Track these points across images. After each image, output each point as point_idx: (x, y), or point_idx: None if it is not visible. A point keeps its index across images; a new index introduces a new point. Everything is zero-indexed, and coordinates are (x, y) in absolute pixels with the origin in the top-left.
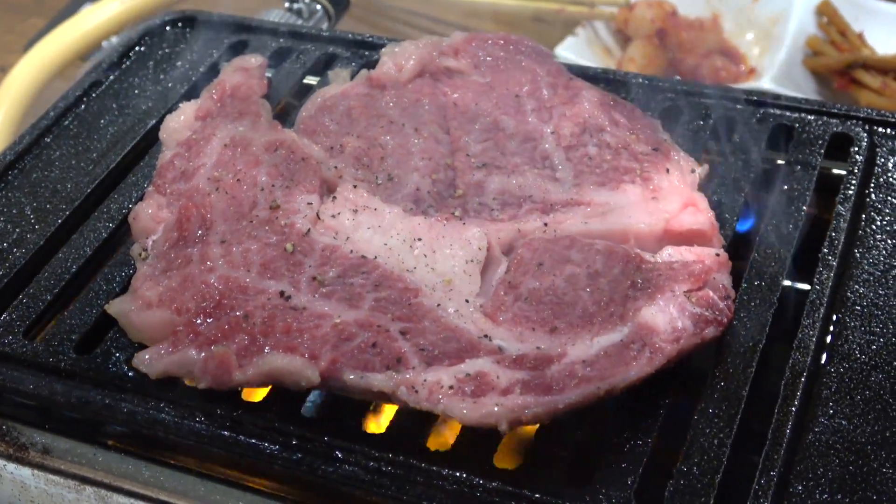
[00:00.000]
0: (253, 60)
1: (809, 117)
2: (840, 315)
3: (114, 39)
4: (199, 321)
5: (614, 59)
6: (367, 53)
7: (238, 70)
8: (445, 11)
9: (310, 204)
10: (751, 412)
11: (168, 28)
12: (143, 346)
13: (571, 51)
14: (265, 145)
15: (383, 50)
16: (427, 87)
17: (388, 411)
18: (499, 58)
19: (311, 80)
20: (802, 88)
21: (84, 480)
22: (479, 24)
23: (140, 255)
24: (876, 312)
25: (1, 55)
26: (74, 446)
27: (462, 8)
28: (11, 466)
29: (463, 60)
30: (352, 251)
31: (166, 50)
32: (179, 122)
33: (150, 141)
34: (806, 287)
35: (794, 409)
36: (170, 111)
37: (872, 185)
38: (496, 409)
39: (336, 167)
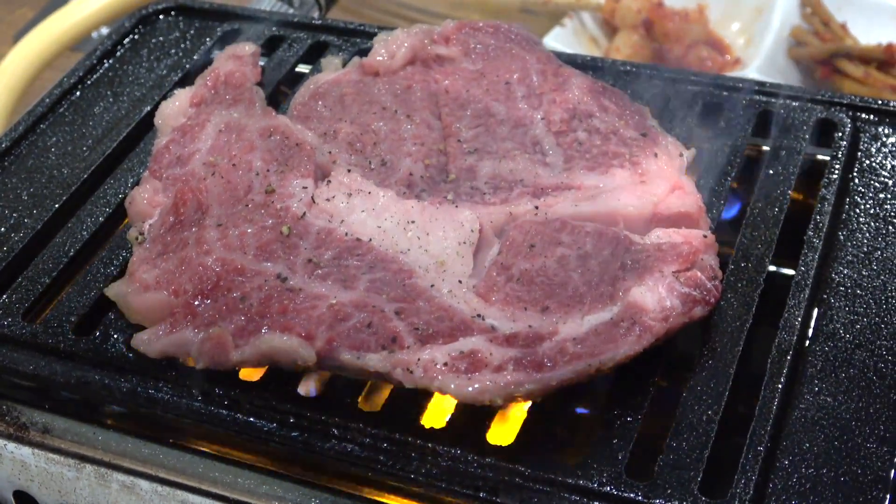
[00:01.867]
0: (246, 48)
1: (794, 104)
2: (825, 296)
3: (104, 30)
4: (196, 303)
5: (601, 50)
6: (358, 41)
7: (231, 58)
8: (433, 2)
9: (304, 188)
10: (738, 390)
11: (161, 16)
12: (141, 328)
13: (559, 41)
14: (259, 131)
15: (376, 38)
16: (419, 74)
17: (384, 389)
18: (489, 45)
19: (303, 67)
20: (787, 78)
21: (84, 459)
22: (467, 14)
23: (136, 238)
24: (859, 293)
25: None
26: (74, 425)
27: (450, 0)
28: (12, 446)
29: (454, 48)
30: (346, 234)
31: (160, 38)
32: (174, 109)
33: (145, 127)
34: (791, 271)
35: (780, 386)
36: (164, 98)
37: (856, 169)
38: (490, 385)
39: (330, 152)
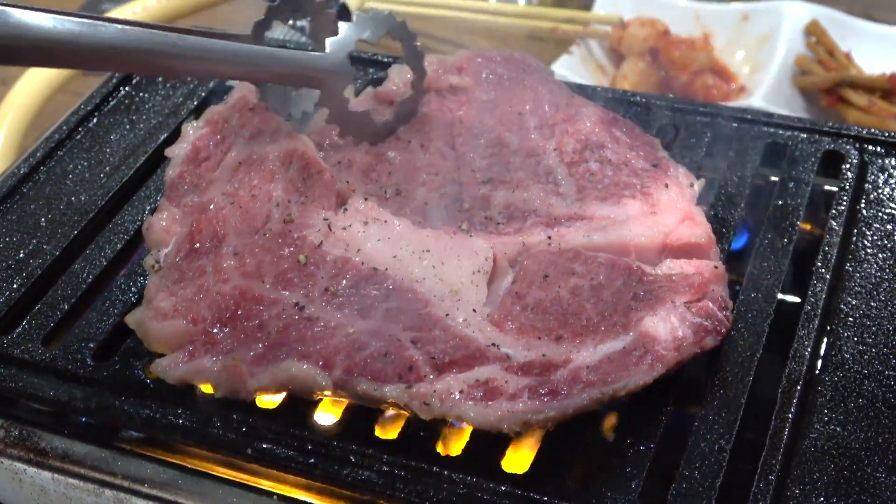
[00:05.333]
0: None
1: (802, 135)
2: (833, 326)
3: None
4: (215, 330)
5: (608, 77)
6: (371, 70)
7: (251, 89)
8: (442, 29)
9: (325, 219)
10: (749, 419)
11: None
12: (159, 354)
13: (566, 68)
14: (280, 158)
15: (390, 68)
16: (432, 104)
17: (400, 417)
18: (501, 75)
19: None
20: (791, 106)
21: (103, 484)
22: (475, 41)
23: (153, 266)
24: (868, 323)
25: (3, 68)
26: (93, 451)
27: (458, 26)
28: (31, 471)
29: (466, 78)
30: (363, 262)
31: None
32: (185, 143)
33: (162, 155)
34: (799, 299)
35: (790, 415)
36: (180, 125)
37: (863, 201)
38: (506, 413)
39: (348, 182)
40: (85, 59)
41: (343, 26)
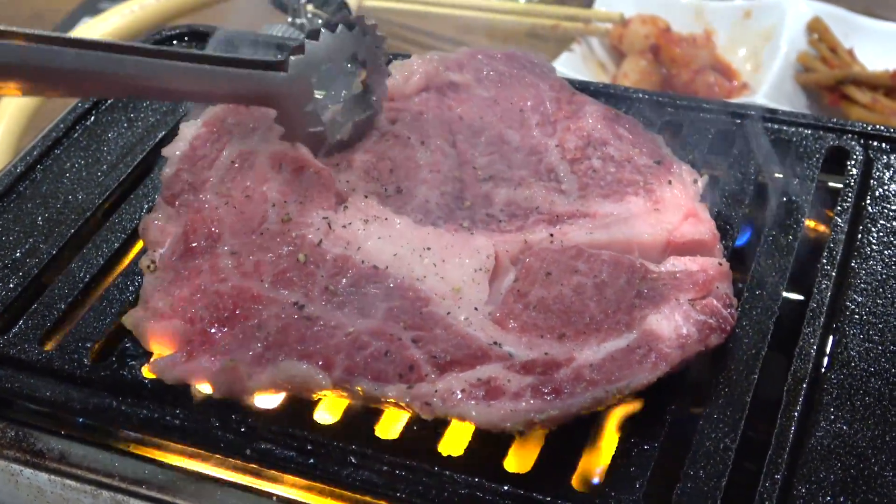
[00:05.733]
0: None
1: (806, 132)
2: (839, 324)
3: None
4: (213, 330)
5: (609, 75)
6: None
7: None
8: (442, 27)
9: (325, 218)
10: (754, 418)
11: (175, 42)
12: (157, 355)
13: (567, 66)
14: (270, 160)
15: (391, 64)
16: (433, 101)
17: (401, 417)
18: (502, 73)
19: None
20: (794, 104)
21: (100, 485)
22: (475, 39)
23: (149, 266)
24: (874, 321)
25: None
26: (90, 452)
27: (458, 24)
28: (28, 472)
29: (467, 74)
30: (363, 261)
31: None
32: (182, 142)
33: (159, 153)
34: (805, 298)
35: (796, 414)
36: (178, 124)
37: (869, 197)
38: (509, 412)
39: (348, 181)
40: (30, 83)
41: (310, 45)
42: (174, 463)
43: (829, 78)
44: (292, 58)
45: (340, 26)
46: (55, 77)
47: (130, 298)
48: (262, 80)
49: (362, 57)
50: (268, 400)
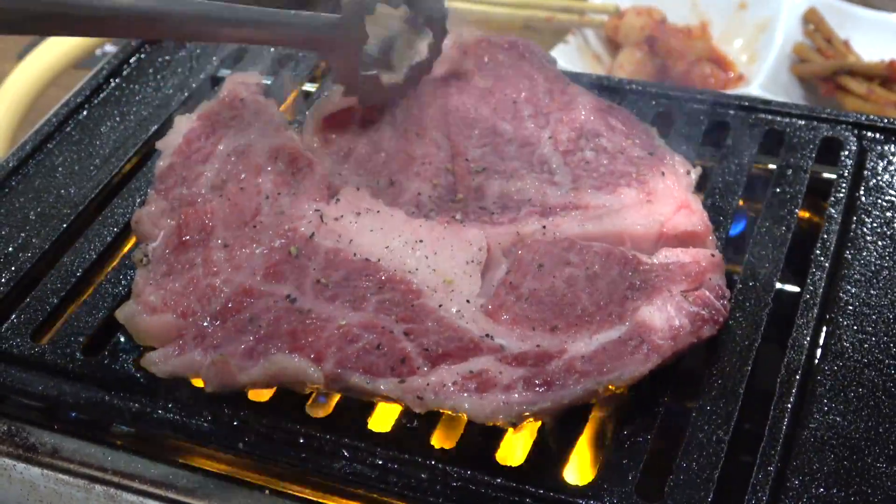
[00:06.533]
0: (253, 78)
1: (800, 122)
2: (833, 315)
3: (108, 47)
4: (205, 324)
5: (604, 67)
6: None
7: (241, 84)
8: None
9: (317, 211)
10: (747, 410)
11: None
12: (149, 348)
13: (562, 58)
14: (267, 153)
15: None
16: (431, 89)
17: (393, 410)
18: (500, 62)
19: (309, 87)
20: (790, 95)
21: (93, 480)
22: (470, 31)
23: (141, 260)
24: (867, 312)
25: None
26: (83, 446)
27: (454, 15)
28: (21, 467)
29: (469, 61)
30: (355, 254)
31: (166, 57)
32: (176, 137)
33: (152, 147)
34: (799, 289)
35: (789, 405)
36: (170, 117)
37: (862, 188)
38: (501, 405)
39: (341, 173)
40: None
41: None
42: (167, 456)
43: (824, 69)
44: (343, 1)
45: None
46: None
47: (123, 292)
48: (313, 23)
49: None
50: (260, 394)
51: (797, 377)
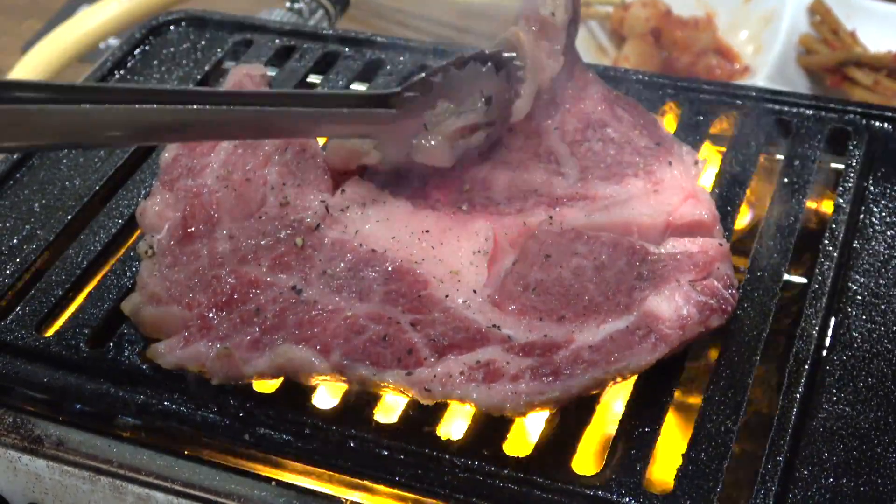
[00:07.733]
0: (257, 70)
1: (807, 112)
2: (841, 305)
3: (112, 41)
4: (211, 315)
5: (609, 58)
6: (367, 52)
7: (246, 75)
8: (441, 11)
9: (322, 202)
10: (756, 400)
11: (172, 27)
12: (155, 340)
13: None
14: (276, 143)
15: None
16: None
17: (400, 401)
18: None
19: (314, 78)
20: (796, 86)
21: (98, 471)
22: (475, 23)
23: (146, 252)
24: (876, 302)
25: None
26: (88, 438)
27: (458, 8)
28: (26, 458)
29: None
30: (361, 245)
31: (171, 49)
32: None
33: None
34: (807, 279)
35: (798, 395)
36: None
37: (871, 178)
38: (509, 394)
39: None
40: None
41: (431, 81)
42: (172, 448)
43: (831, 60)
44: (405, 94)
45: (472, 63)
46: (176, 129)
47: (128, 284)
48: (366, 119)
49: (488, 93)
50: (266, 385)
51: (806, 367)
